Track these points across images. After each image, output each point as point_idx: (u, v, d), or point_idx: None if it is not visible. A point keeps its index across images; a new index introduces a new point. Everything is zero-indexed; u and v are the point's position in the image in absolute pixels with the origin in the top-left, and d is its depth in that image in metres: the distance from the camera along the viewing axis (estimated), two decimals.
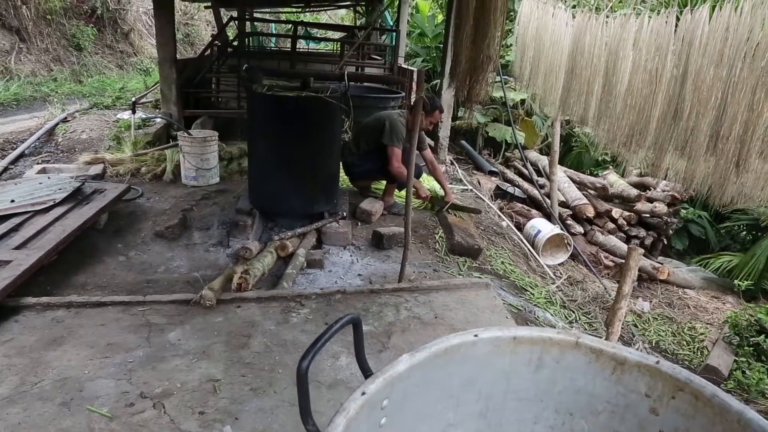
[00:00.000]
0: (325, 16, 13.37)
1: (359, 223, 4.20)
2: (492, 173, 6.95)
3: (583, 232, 5.85)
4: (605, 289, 4.63)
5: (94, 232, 3.65)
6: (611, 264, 5.42)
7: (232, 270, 3.05)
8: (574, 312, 3.98)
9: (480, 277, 3.65)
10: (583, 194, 6.11)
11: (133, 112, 5.84)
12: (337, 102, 3.61)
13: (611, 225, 5.96)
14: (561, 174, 6.46)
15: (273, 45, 12.31)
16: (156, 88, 7.48)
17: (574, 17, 4.19)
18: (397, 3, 8.78)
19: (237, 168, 5.10)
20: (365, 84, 7.09)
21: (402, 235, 3.58)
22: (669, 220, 5.95)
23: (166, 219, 3.89)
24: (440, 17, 10.48)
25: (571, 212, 5.94)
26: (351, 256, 3.70)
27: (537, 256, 4.85)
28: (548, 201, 5.81)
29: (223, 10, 10.36)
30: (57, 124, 6.38)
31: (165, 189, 4.60)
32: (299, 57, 7.27)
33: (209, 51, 6.75)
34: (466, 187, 5.73)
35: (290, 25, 8.32)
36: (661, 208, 5.86)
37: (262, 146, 3.78)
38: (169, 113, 5.77)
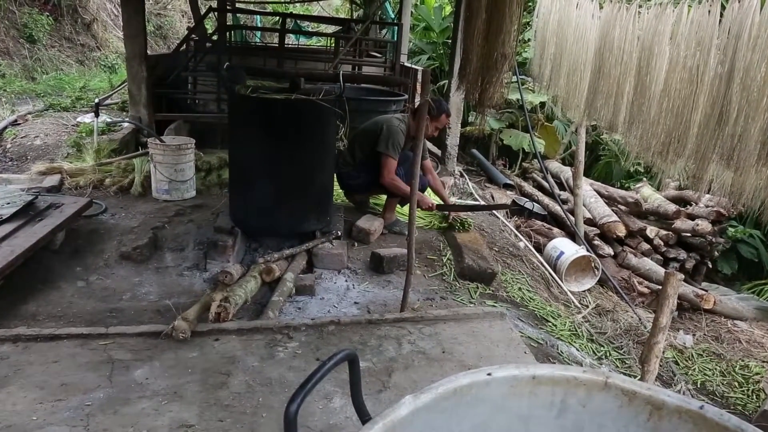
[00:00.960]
0: (317, 8, 13.54)
1: (356, 244, 4.21)
2: (507, 186, 6.97)
3: (612, 253, 5.85)
4: (640, 320, 4.61)
5: (49, 253, 3.65)
6: (646, 291, 5.42)
7: (209, 297, 3.05)
8: (603, 346, 3.97)
9: (494, 306, 3.64)
10: (613, 210, 6.13)
11: (96, 116, 5.88)
12: (331, 106, 3.65)
13: (646, 246, 5.96)
14: (587, 187, 6.48)
15: (258, 40, 12.45)
16: (123, 87, 7.53)
17: (601, 8, 4.24)
18: None
19: (216, 180, 5.12)
20: (363, 85, 7.16)
21: (404, 258, 3.58)
22: (714, 240, 5.95)
23: (134, 238, 3.90)
24: (448, 9, 10.62)
25: (598, 231, 5.95)
26: (346, 281, 3.71)
27: (560, 282, 4.84)
28: (572, 218, 5.83)
29: (201, 0, 10.47)
30: (5, 128, 6.41)
31: (133, 204, 4.61)
32: (288, 54, 7.35)
33: (185, 46, 6.82)
34: (477, 203, 5.75)
35: (278, 18, 8.43)
36: (704, 226, 5.87)
37: (245, 155, 3.81)
38: (138, 117, 5.81)
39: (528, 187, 7.18)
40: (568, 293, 4.71)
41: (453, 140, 6.48)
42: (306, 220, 3.91)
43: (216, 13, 8.05)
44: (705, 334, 5.00)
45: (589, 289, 5.12)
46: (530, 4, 7.91)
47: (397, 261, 3.88)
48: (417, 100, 7.34)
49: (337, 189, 4.59)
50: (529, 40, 7.95)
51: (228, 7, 9.75)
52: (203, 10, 8.51)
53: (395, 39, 7.86)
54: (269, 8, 11.41)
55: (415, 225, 3.30)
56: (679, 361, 4.40)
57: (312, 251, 3.83)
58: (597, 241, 5.87)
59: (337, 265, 3.82)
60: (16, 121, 6.72)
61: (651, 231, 5.99)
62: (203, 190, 4.99)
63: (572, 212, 5.91)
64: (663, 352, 3.55)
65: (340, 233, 4.05)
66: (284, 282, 3.41)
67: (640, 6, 3.87)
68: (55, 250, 3.70)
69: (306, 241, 3.86)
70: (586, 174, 7.13)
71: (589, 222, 6.04)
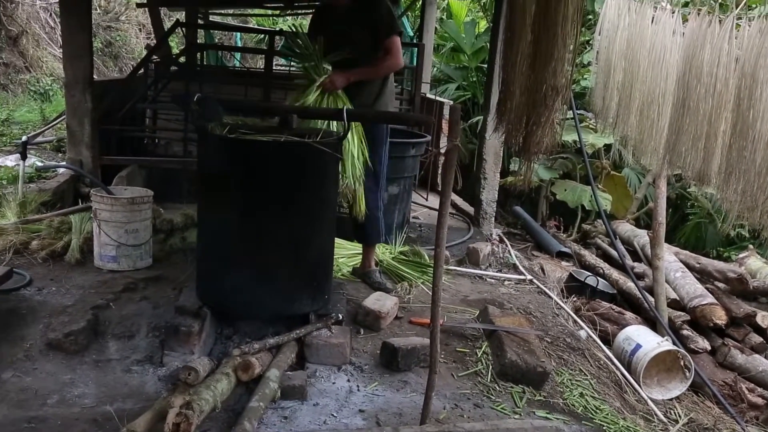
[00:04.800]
0: None
1: (362, 331, 4.20)
2: (562, 255, 6.98)
3: (710, 348, 5.77)
4: None
5: None
6: (760, 402, 5.31)
7: (166, 402, 3.04)
8: None
9: (547, 418, 3.60)
10: (707, 288, 6.08)
11: (23, 158, 5.91)
12: (332, 150, 3.71)
13: (757, 338, 5.87)
14: (670, 257, 6.47)
15: (238, 63, 12.81)
16: (60, 121, 7.71)
17: (685, 21, 4.32)
18: (419, 4, 9.16)
19: (180, 245, 5.17)
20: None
21: (425, 350, 3.57)
22: None
23: (67, 321, 3.90)
24: (483, 24, 10.88)
25: (688, 317, 5.89)
26: (349, 381, 3.69)
27: (637, 386, 4.78)
28: (651, 299, 5.80)
29: (164, 10, 10.72)
30: None
31: (67, 274, 4.64)
32: (276, 82, 7.51)
33: (143, 70, 7.01)
34: (522, 277, 5.75)
35: (263, 36, 8.65)
36: None
37: (218, 213, 3.86)
38: (78, 160, 5.90)
39: (590, 257, 7.18)
40: (649, 402, 4.63)
41: (489, 194, 6.52)
42: (297, 299, 3.92)
43: (184, 29, 8.32)
44: None
45: (678, 397, 5.03)
46: (590, 18, 8.15)
47: (415, 354, 3.86)
48: (443, 145, 7.47)
49: (339, 257, 4.61)
50: (589, 63, 8.14)
51: (200, 22, 10.04)
52: (168, 25, 8.74)
53: (414, 63, 8.05)
54: (252, 23, 11.77)
55: (440, 306, 3.28)
56: None
57: (304, 340, 3.82)
58: (687, 331, 5.80)
59: (337, 360, 3.81)
60: None
61: (763, 318, 5.91)
62: (162, 257, 5.03)
63: (651, 291, 5.89)
64: None
65: (341, 317, 4.05)
66: (266, 381, 3.39)
67: (739, 18, 3.91)
68: None
69: (296, 326, 3.86)
70: (669, 239, 7.14)
71: (675, 304, 5.99)
